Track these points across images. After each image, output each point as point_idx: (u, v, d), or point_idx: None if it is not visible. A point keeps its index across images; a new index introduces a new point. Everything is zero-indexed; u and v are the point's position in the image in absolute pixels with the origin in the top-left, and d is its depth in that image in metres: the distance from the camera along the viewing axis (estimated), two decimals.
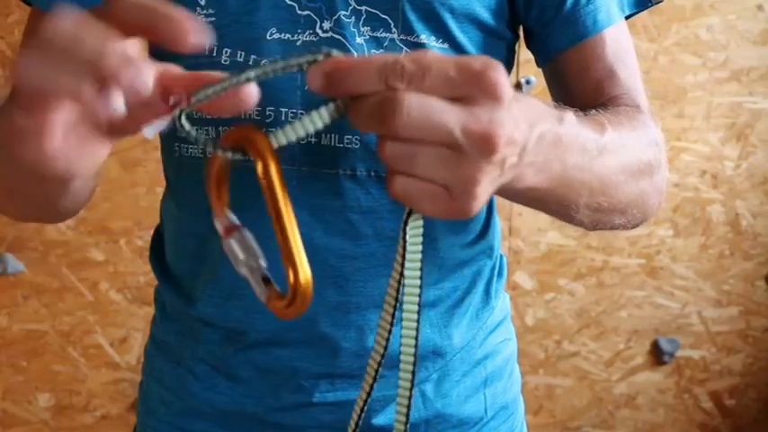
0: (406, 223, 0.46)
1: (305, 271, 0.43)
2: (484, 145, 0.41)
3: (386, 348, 0.51)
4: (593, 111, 0.62)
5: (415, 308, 0.48)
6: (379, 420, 0.74)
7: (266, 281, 0.46)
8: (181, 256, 0.77)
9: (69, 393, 1.91)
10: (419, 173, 0.42)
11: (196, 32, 0.41)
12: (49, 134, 0.41)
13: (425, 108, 0.41)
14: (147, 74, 0.41)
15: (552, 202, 0.56)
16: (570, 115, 0.52)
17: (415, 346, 0.49)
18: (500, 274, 0.83)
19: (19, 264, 1.84)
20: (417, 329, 0.49)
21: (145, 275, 1.85)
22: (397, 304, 0.49)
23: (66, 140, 0.42)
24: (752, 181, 1.97)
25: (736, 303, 2.03)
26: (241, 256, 0.46)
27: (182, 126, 0.43)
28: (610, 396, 2.06)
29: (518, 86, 1.86)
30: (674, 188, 1.95)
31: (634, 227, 0.68)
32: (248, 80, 0.42)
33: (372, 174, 0.68)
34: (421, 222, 0.47)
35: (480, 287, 0.79)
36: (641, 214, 0.66)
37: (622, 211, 0.63)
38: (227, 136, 0.45)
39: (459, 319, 0.77)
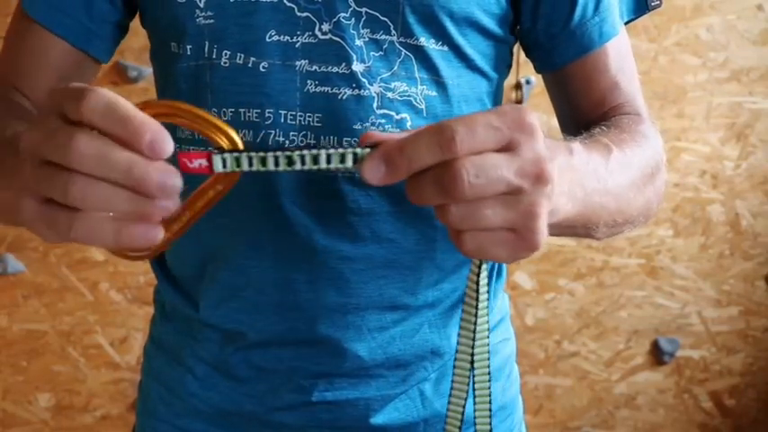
0: (478, 275, 0.50)
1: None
2: (539, 180, 0.45)
3: (466, 401, 0.55)
4: (597, 130, 0.65)
5: (487, 362, 0.53)
6: (377, 420, 0.75)
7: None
8: (181, 259, 0.77)
9: (69, 393, 1.91)
10: (485, 224, 0.45)
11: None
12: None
13: (483, 168, 0.44)
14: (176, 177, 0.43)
15: (580, 226, 0.59)
16: (577, 145, 0.54)
17: (490, 397, 0.54)
18: (499, 274, 0.83)
19: (19, 264, 1.84)
20: (489, 380, 0.53)
21: (145, 275, 1.85)
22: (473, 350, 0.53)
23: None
24: (752, 181, 1.97)
25: (736, 303, 2.03)
26: None
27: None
28: (610, 396, 2.06)
29: (518, 86, 1.86)
30: (674, 188, 1.95)
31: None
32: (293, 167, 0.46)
33: None
34: (486, 273, 0.50)
35: None
36: (645, 219, 0.68)
37: (632, 222, 0.66)
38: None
39: (457, 319, 0.77)
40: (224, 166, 0.45)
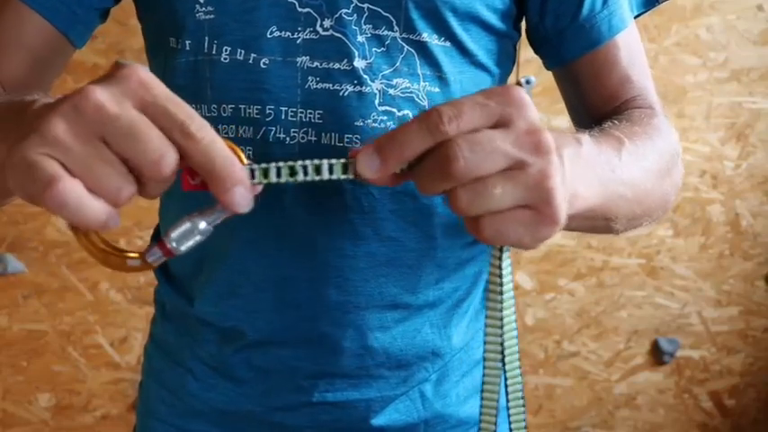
0: (500, 267, 0.49)
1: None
2: (538, 149, 0.44)
3: (499, 394, 0.54)
4: (608, 123, 0.64)
5: (517, 356, 0.52)
6: (378, 421, 0.74)
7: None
8: (180, 257, 0.77)
9: (69, 393, 1.91)
10: (498, 204, 0.44)
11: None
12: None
13: (477, 143, 0.43)
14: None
15: (600, 218, 0.58)
16: (585, 136, 0.54)
17: (522, 392, 0.53)
18: None
19: (19, 264, 1.83)
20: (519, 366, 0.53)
21: (145, 275, 1.85)
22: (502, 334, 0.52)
23: None
24: (752, 181, 1.97)
25: (736, 303, 2.03)
26: (196, 237, 0.48)
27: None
28: (610, 396, 2.06)
29: (518, 86, 1.85)
30: None
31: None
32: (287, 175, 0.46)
33: None
34: (510, 261, 0.49)
35: (480, 288, 0.79)
36: (663, 212, 0.68)
37: (650, 214, 0.65)
38: None
39: (458, 319, 0.76)
40: None
